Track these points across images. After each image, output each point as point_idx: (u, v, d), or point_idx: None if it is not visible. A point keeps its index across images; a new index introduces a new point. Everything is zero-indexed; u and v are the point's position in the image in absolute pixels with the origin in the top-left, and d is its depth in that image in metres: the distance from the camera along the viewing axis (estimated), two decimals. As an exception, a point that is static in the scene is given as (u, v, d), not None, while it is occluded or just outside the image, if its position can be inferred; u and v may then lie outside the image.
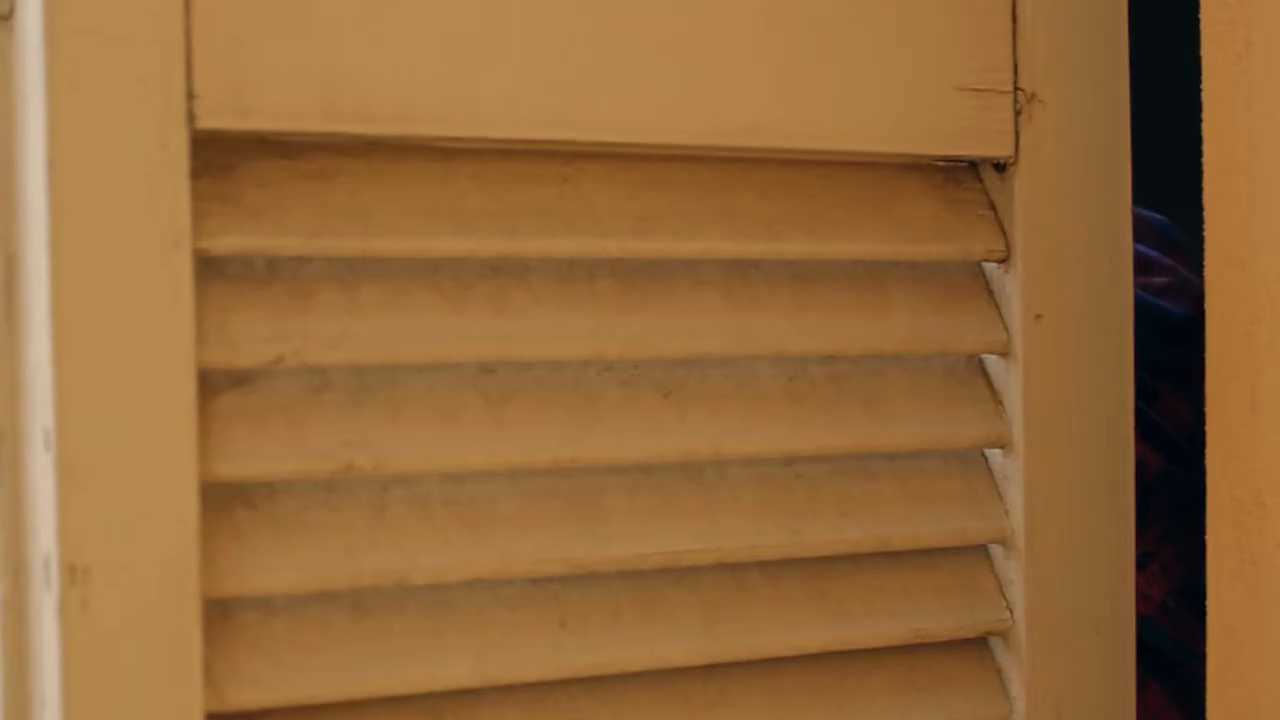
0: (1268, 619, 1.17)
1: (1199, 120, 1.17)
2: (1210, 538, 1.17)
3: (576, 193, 1.14)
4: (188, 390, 0.93)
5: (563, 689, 1.13)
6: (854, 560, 1.21)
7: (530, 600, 1.12)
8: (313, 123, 1.05)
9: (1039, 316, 1.25)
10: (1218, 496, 1.17)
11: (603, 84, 1.12)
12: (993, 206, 1.24)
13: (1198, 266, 1.32)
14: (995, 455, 1.24)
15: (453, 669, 1.08)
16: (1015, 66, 1.23)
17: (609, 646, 1.13)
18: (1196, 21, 1.16)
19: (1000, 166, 1.23)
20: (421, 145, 1.09)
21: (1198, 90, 1.17)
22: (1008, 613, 1.24)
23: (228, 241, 1.01)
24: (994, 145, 1.23)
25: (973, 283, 1.25)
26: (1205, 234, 1.18)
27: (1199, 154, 1.17)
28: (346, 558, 1.06)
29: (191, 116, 0.94)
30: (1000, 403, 1.24)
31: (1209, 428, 1.18)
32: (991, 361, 1.24)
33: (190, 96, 0.93)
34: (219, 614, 1.02)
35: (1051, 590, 1.24)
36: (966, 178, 1.24)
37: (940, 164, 1.23)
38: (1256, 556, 1.20)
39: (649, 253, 1.14)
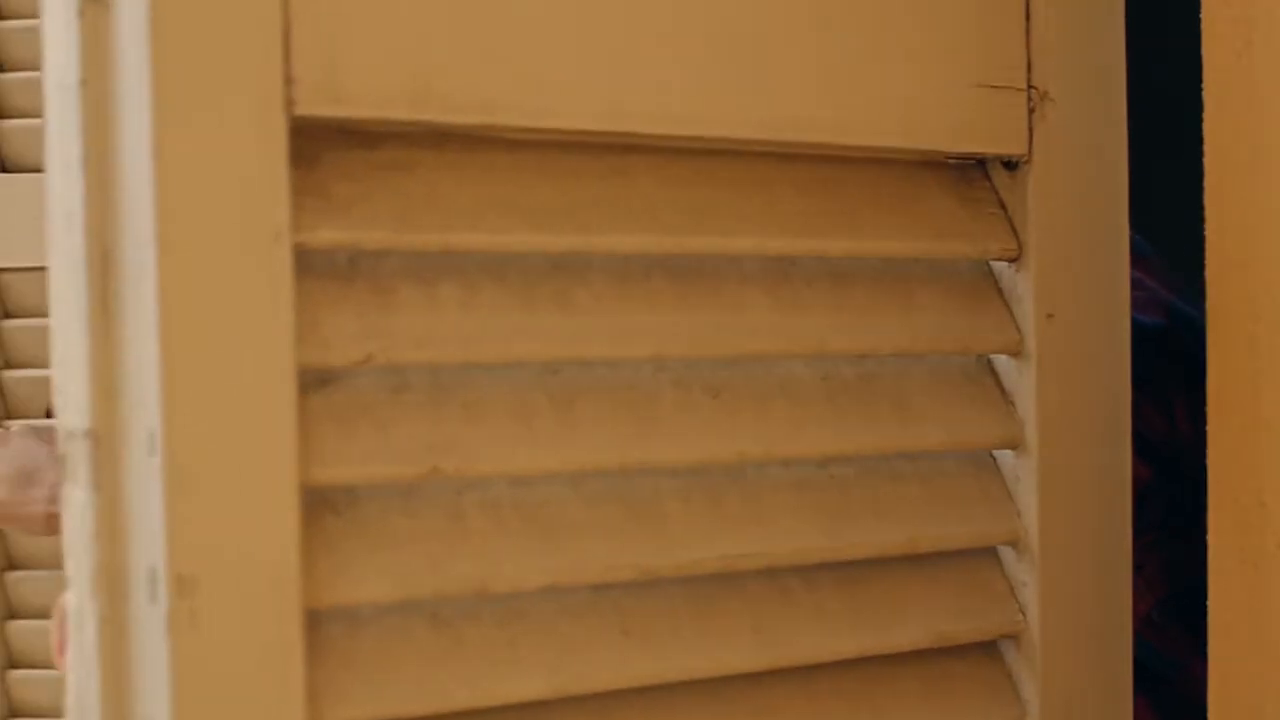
0: (1268, 619, 1.17)
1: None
2: (1211, 538, 1.15)
3: (633, 187, 1.10)
4: (289, 390, 0.87)
5: (621, 699, 1.09)
6: (880, 563, 1.18)
7: (593, 608, 1.07)
8: (400, 110, 1.00)
9: (1050, 316, 1.22)
10: (1219, 497, 1.16)
11: (667, 76, 1.09)
12: (1002, 205, 1.21)
13: (1164, 278, 1.27)
14: (1005, 456, 1.22)
15: (530, 681, 1.04)
16: (1029, 64, 1.21)
17: (669, 655, 1.09)
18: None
19: (1011, 165, 1.21)
20: (491, 137, 1.05)
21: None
22: (1021, 615, 1.22)
23: (322, 235, 0.96)
24: (1009, 143, 1.21)
25: (983, 282, 1.22)
26: (1206, 235, 1.17)
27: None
28: (430, 567, 1.01)
29: (289, 102, 0.87)
30: (1011, 403, 1.22)
31: (1210, 428, 1.17)
32: (1001, 361, 1.22)
33: (288, 81, 0.85)
34: (312, 627, 0.97)
35: (1064, 592, 1.22)
36: (976, 176, 1.21)
37: (951, 162, 1.21)
38: (1257, 557, 1.18)
39: (701, 248, 1.11)
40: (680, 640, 1.08)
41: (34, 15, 1.79)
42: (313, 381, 0.92)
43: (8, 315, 1.84)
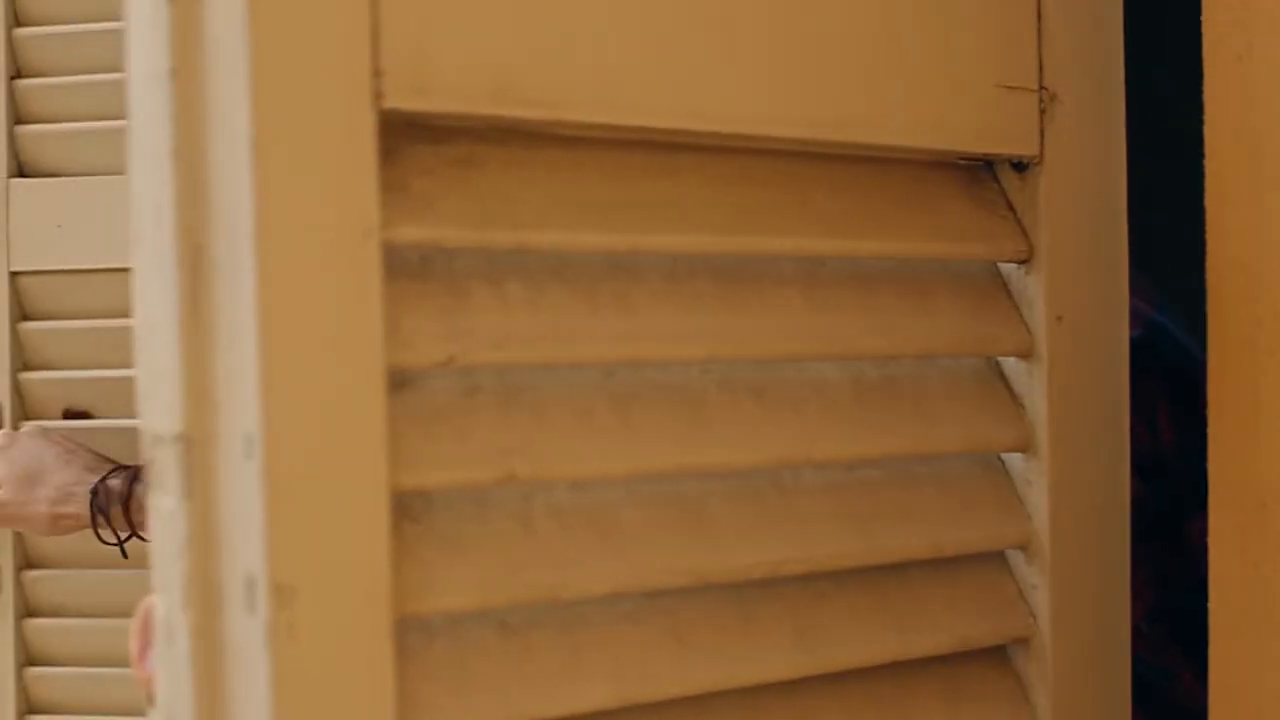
0: (1269, 620, 1.12)
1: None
2: (1212, 539, 1.11)
3: (681, 186, 1.02)
4: (379, 392, 0.78)
5: (675, 707, 1.01)
6: (904, 568, 1.11)
7: (650, 614, 1.00)
8: (481, 105, 0.92)
9: (1059, 318, 1.16)
10: (1219, 499, 1.12)
11: (723, 75, 1.02)
12: (1011, 207, 1.16)
13: (1142, 291, 1.18)
14: (1014, 459, 1.16)
15: (596, 690, 0.96)
16: (1040, 65, 1.15)
17: (721, 663, 1.02)
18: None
19: (1020, 166, 1.15)
20: (551, 134, 0.96)
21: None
22: (1031, 619, 1.15)
23: (405, 232, 0.88)
24: (1023, 144, 1.15)
25: (992, 284, 1.16)
26: (1207, 237, 1.13)
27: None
28: (504, 575, 0.93)
29: (378, 94, 0.78)
30: (1021, 406, 1.15)
31: (1210, 431, 1.12)
32: (1010, 364, 1.16)
33: (377, 73, 0.76)
34: (398, 637, 0.88)
35: (1074, 595, 1.16)
36: (984, 177, 1.16)
37: (962, 163, 1.15)
38: (1258, 558, 1.14)
39: (745, 249, 1.05)
40: (730, 647, 1.01)
41: (52, 22, 1.67)
42: (395, 383, 0.80)
43: (25, 318, 1.75)
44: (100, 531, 1.59)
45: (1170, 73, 1.22)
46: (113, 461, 1.63)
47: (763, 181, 1.04)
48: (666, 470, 0.99)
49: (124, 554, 1.59)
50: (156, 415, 0.79)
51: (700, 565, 0.99)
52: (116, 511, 1.59)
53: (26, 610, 1.74)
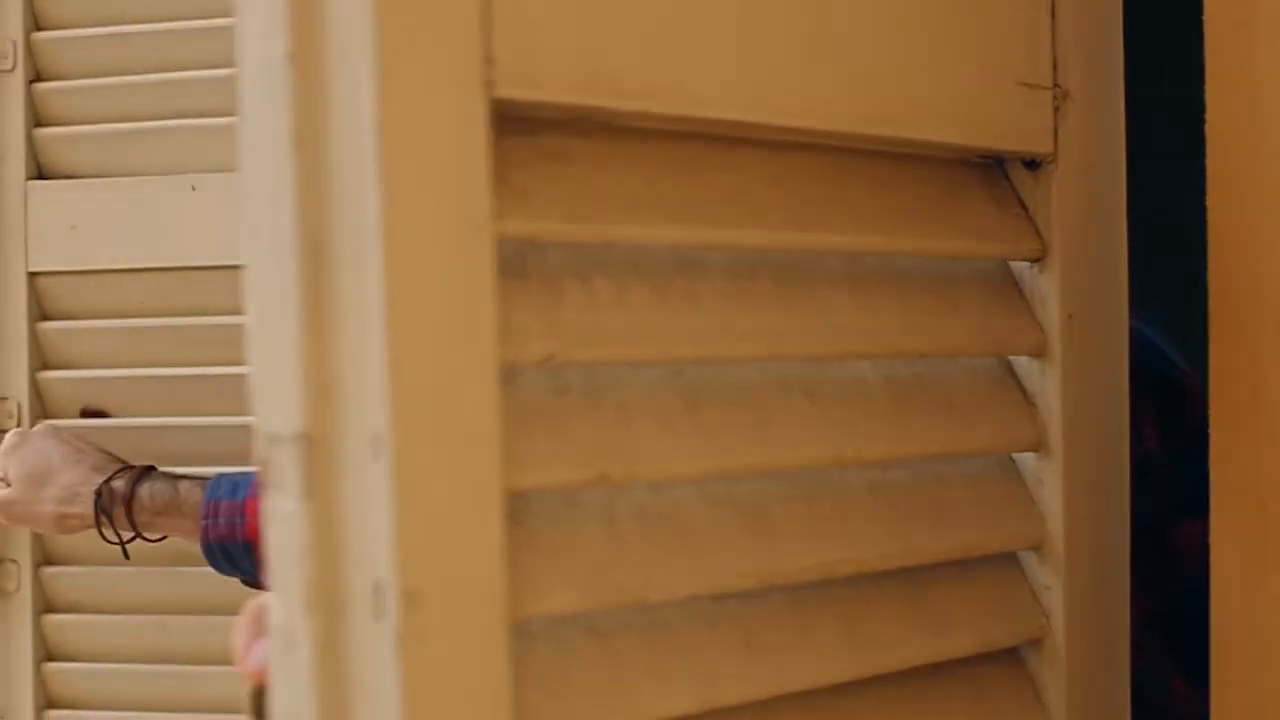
0: (1269, 620, 1.06)
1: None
2: (1214, 539, 1.06)
3: (743, 181, 0.94)
4: (494, 390, 0.68)
5: (743, 712, 0.92)
6: (933, 569, 1.04)
7: (720, 617, 0.91)
8: (579, 95, 0.84)
9: (1070, 316, 1.08)
10: (1220, 498, 1.06)
11: (785, 69, 0.94)
12: (1023, 205, 1.08)
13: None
14: (1026, 459, 1.09)
15: (679, 698, 0.88)
16: (1055, 63, 1.08)
17: (785, 666, 0.94)
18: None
19: (1032, 164, 1.08)
20: (627, 126, 0.88)
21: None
22: (1045, 619, 1.08)
23: (510, 226, 0.81)
24: (1039, 141, 1.08)
25: (1004, 282, 1.09)
26: (1209, 237, 1.08)
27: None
28: (596, 577, 0.85)
29: (488, 83, 0.77)
30: (1034, 405, 1.08)
31: (1212, 431, 1.07)
32: (1021, 363, 1.09)
33: (488, 61, 0.68)
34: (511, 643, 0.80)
35: (1088, 595, 1.09)
36: (996, 175, 1.09)
37: (977, 160, 1.08)
38: (1259, 558, 1.07)
39: (802, 245, 0.98)
40: (791, 650, 0.94)
41: (69, 25, 1.58)
42: (504, 382, 0.72)
43: (44, 317, 1.67)
44: (104, 531, 1.54)
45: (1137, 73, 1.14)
46: (121, 461, 1.58)
47: (812, 178, 0.98)
48: (736, 470, 0.93)
49: (125, 554, 1.55)
50: (273, 414, 0.70)
51: (765, 567, 0.93)
52: (119, 512, 1.54)
53: (45, 606, 1.69)
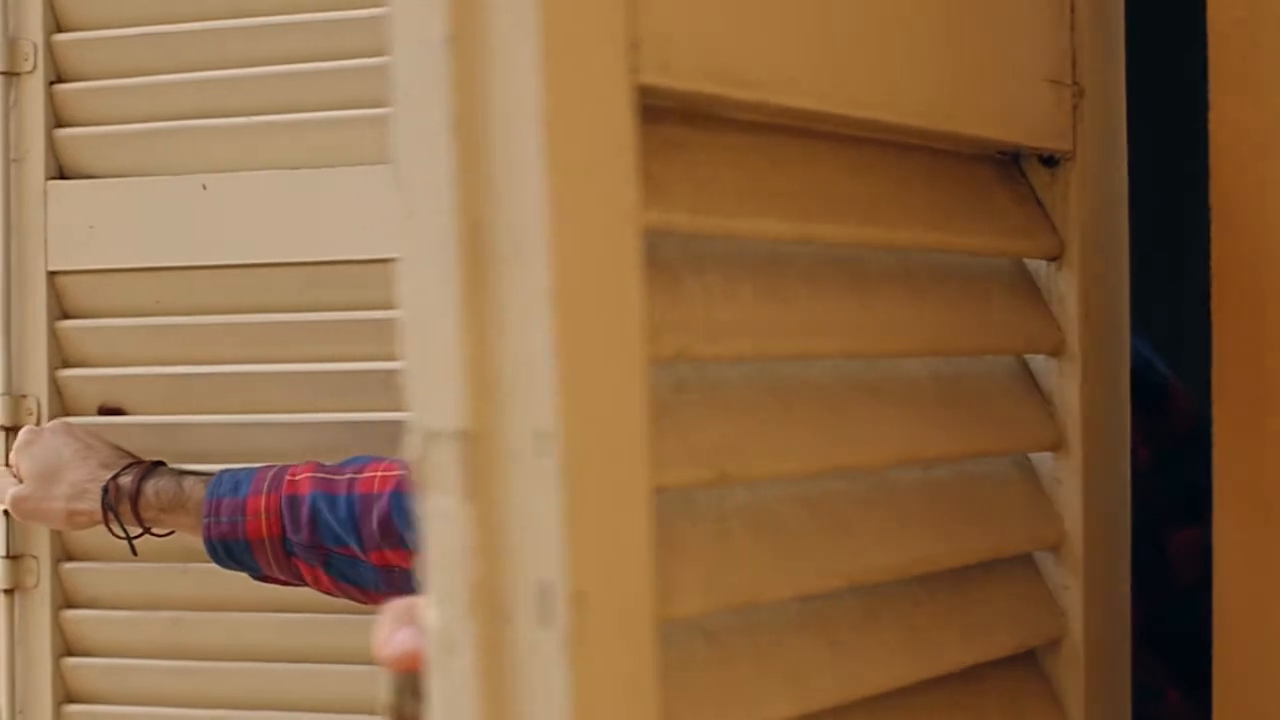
0: (1271, 620, 1.01)
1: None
2: (1216, 539, 1.01)
3: (821, 175, 0.88)
4: (643, 386, 0.67)
5: (829, 716, 0.85)
6: (970, 570, 0.97)
7: (807, 619, 0.85)
8: (706, 83, 0.76)
9: (1086, 315, 1.01)
10: (1224, 497, 1.01)
11: (873, 64, 0.88)
12: (1039, 202, 1.01)
13: None
14: (1042, 458, 1.01)
15: (781, 703, 0.81)
16: (1074, 60, 1.02)
17: (864, 668, 0.87)
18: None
19: (1050, 161, 1.01)
20: (730, 118, 0.81)
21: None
22: (1063, 619, 1.00)
23: (650, 216, 0.73)
24: (1061, 138, 1.01)
25: (1022, 280, 1.03)
26: (1212, 233, 1.02)
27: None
28: (714, 578, 0.78)
29: (634, 69, 0.71)
30: (1051, 403, 1.01)
31: (1215, 430, 1.02)
32: (1038, 362, 1.02)
33: (634, 46, 0.64)
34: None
35: (1104, 595, 1.02)
36: (1014, 172, 1.02)
37: (995, 157, 1.01)
38: (1261, 559, 1.01)
39: (874, 239, 0.91)
40: (868, 652, 0.88)
41: (90, 27, 1.49)
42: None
43: (64, 315, 1.58)
44: (112, 528, 1.47)
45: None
46: (131, 457, 1.51)
47: (875, 172, 0.92)
48: (825, 469, 0.87)
49: (133, 550, 1.48)
50: (431, 410, 0.64)
51: (846, 567, 0.87)
52: (125, 509, 1.46)
53: (64, 601, 1.61)
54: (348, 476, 1.40)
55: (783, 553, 0.83)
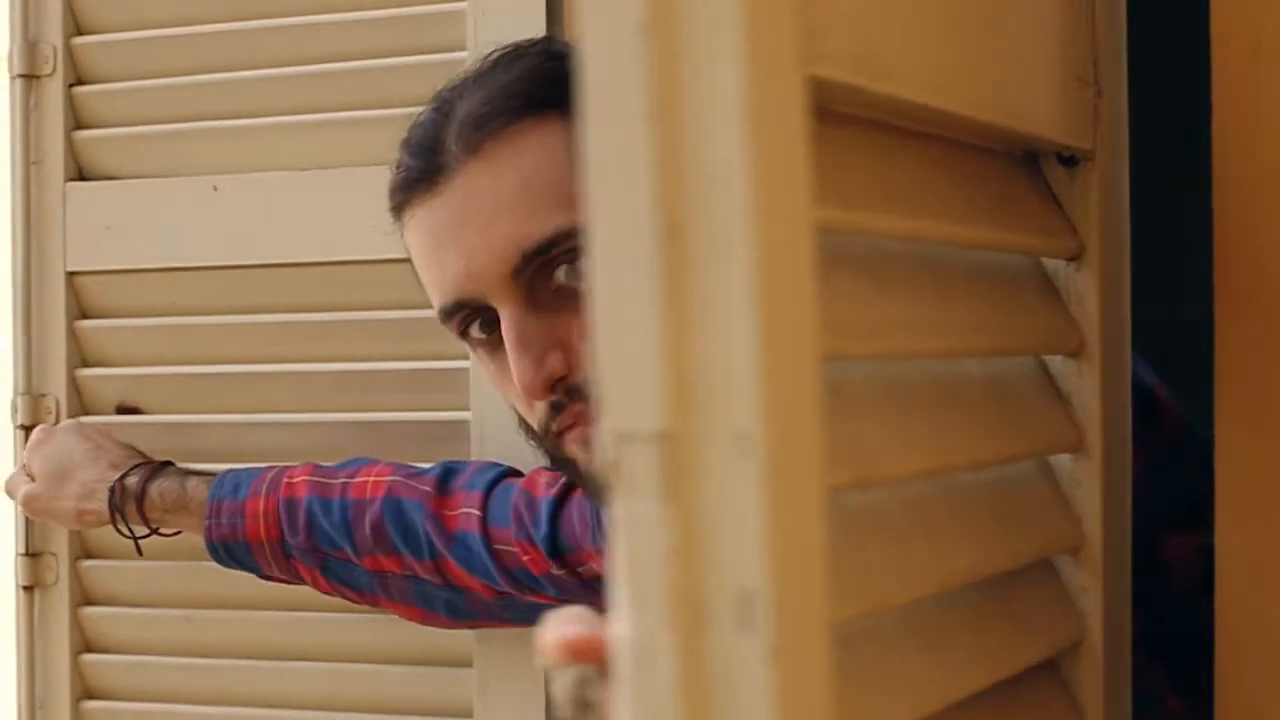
0: (1273, 621, 0.96)
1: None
2: (1219, 540, 0.96)
3: (918, 173, 0.81)
4: (820, 386, 0.63)
5: None
6: (1014, 574, 0.90)
7: (905, 622, 0.78)
8: (854, 75, 0.69)
9: (1105, 316, 0.95)
10: (1226, 499, 0.96)
11: (971, 59, 0.81)
12: (1058, 201, 0.95)
13: None
14: (1061, 460, 0.95)
15: (901, 710, 0.74)
16: (1094, 59, 0.96)
17: (956, 674, 0.80)
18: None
19: (1069, 160, 0.95)
20: (851, 114, 0.75)
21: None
22: (1083, 622, 0.94)
23: (819, 214, 0.66)
24: (1084, 137, 0.95)
25: (1042, 280, 0.96)
26: (1214, 235, 0.97)
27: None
28: (855, 582, 0.71)
29: (807, 60, 0.63)
30: (1070, 404, 0.94)
31: (1217, 433, 0.97)
32: (1055, 362, 0.96)
33: (810, 35, 0.59)
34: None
35: (1120, 597, 0.96)
36: (1033, 171, 0.96)
37: (1016, 155, 0.95)
38: (1263, 561, 0.96)
39: (957, 238, 0.84)
40: (953, 658, 0.81)
41: (111, 29, 1.40)
42: None
43: (83, 315, 1.49)
44: (119, 527, 1.39)
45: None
46: (141, 457, 1.42)
47: (944, 166, 0.86)
48: (933, 471, 0.81)
49: (139, 550, 1.39)
50: (627, 411, 0.57)
51: (943, 570, 0.81)
52: (131, 509, 1.38)
53: (82, 598, 1.52)
54: (341, 480, 1.34)
55: (899, 556, 0.78)
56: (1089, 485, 0.94)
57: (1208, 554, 0.99)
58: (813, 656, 0.62)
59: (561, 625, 0.65)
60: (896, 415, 0.81)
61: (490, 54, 1.09)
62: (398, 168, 1.07)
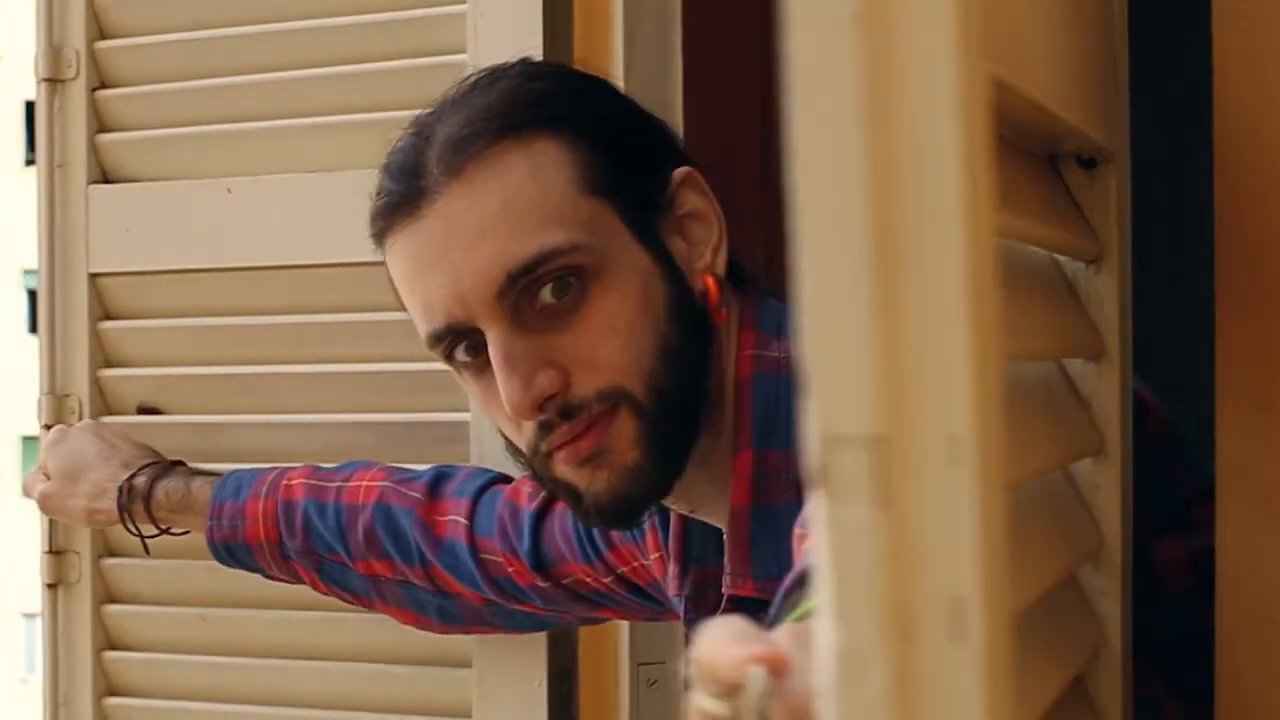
0: (1273, 621, 0.91)
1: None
2: (1220, 542, 0.91)
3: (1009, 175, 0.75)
4: (1006, 386, 0.58)
5: None
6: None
7: None
8: (1021, 80, 0.65)
9: (1122, 317, 0.90)
10: (1227, 500, 0.91)
11: (1051, 55, 0.76)
12: (1076, 203, 0.89)
13: None
14: (1081, 463, 0.88)
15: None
16: (1115, 59, 0.90)
17: (1042, 683, 0.73)
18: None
19: (1088, 162, 0.88)
20: None
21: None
22: (1101, 626, 0.86)
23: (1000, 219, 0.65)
24: (1108, 139, 0.89)
25: (1062, 282, 0.90)
26: (1216, 239, 0.92)
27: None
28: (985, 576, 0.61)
29: (991, 58, 0.54)
30: (1089, 408, 0.88)
31: (1219, 433, 0.93)
32: (1075, 365, 0.89)
33: (989, 34, 0.51)
34: None
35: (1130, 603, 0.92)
36: (1052, 172, 0.89)
37: (1039, 155, 0.89)
38: (1264, 561, 0.91)
39: (1023, 235, 0.78)
40: (1046, 660, 0.75)
41: (133, 33, 1.32)
42: None
43: (106, 316, 1.42)
44: (128, 526, 1.32)
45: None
46: (156, 456, 1.35)
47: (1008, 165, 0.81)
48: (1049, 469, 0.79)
49: (145, 549, 1.33)
50: (837, 415, 0.50)
51: (1054, 569, 0.76)
52: (138, 508, 1.31)
53: (105, 596, 1.45)
54: (337, 484, 1.28)
55: (1021, 553, 0.73)
56: (1108, 488, 0.89)
57: (1199, 557, 0.95)
58: (1007, 666, 0.57)
59: (725, 639, 0.61)
60: (1016, 416, 0.76)
61: (468, 77, 1.05)
62: (378, 194, 1.02)
